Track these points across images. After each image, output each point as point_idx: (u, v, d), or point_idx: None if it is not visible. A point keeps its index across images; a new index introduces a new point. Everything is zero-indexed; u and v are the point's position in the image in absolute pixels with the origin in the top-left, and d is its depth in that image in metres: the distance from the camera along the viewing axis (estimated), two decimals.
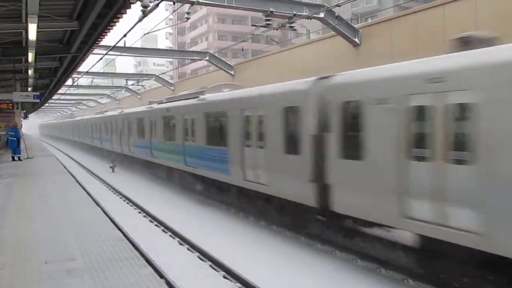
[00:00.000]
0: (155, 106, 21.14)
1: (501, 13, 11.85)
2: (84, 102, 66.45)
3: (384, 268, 8.48)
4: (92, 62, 21.91)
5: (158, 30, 17.06)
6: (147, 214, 14.28)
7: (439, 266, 7.20)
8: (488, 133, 5.92)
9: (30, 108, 40.34)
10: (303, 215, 10.42)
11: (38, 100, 23.51)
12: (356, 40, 17.16)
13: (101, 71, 33.52)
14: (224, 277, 8.41)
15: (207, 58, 27.76)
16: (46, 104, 55.31)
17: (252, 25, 18.45)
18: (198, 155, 15.37)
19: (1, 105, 22.55)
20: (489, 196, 5.88)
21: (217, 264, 9.01)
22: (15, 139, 20.38)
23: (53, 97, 42.04)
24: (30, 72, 19.40)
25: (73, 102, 66.61)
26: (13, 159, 20.23)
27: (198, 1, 14.62)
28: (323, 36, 21.41)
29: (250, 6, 16.02)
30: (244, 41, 21.33)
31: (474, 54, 6.57)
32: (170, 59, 74.29)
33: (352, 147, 8.28)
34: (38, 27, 11.16)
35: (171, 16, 63.72)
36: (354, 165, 8.20)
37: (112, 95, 55.54)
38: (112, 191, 19.55)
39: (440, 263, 7.15)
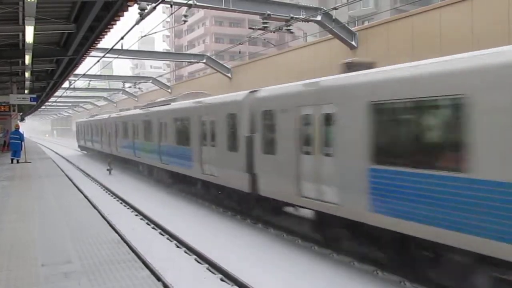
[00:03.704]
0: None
1: (496, 16, 11.94)
2: (81, 104, 66.51)
3: (381, 271, 8.49)
4: (89, 64, 21.93)
5: (155, 32, 17.15)
6: (144, 216, 14.25)
7: None
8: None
9: (27, 110, 40.31)
10: None
11: (34, 103, 23.49)
12: (353, 43, 17.25)
13: (98, 73, 33.54)
14: (221, 279, 8.40)
15: (204, 60, 27.82)
16: (43, 107, 55.31)
17: (249, 28, 18.49)
18: None
19: None
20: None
21: (214, 267, 9.00)
22: (19, 142, 20.31)
23: (49, 100, 42.03)
24: (27, 74, 19.42)
25: (70, 104, 66.69)
26: (12, 162, 20.16)
27: (195, 4, 14.69)
28: (320, 39, 21.51)
29: (247, 9, 16.10)
30: (241, 44, 21.35)
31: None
32: (167, 62, 74.39)
33: None
34: (35, 29, 11.18)
35: (168, 19, 63.89)
36: None
37: (109, 98, 55.59)
38: (109, 194, 19.51)
39: None
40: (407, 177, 6.99)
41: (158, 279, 7.62)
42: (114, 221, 12.54)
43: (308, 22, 16.90)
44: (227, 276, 8.46)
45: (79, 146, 48.38)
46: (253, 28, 17.33)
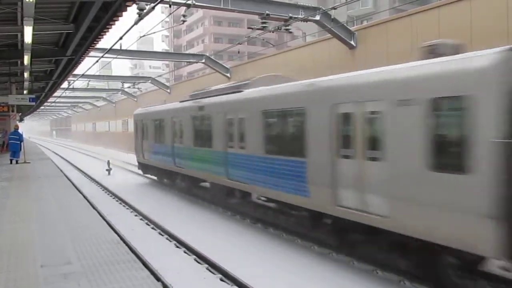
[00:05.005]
0: None
1: (495, 15, 11.93)
2: (80, 105, 66.46)
3: (380, 270, 8.49)
4: (88, 64, 21.91)
5: (154, 32, 17.06)
6: (144, 217, 14.24)
7: None
8: None
9: (26, 110, 40.27)
10: None
11: (33, 103, 23.47)
12: (352, 42, 17.21)
13: (97, 73, 33.49)
14: (221, 279, 8.40)
15: (203, 60, 27.79)
16: (42, 107, 55.28)
17: (248, 28, 18.46)
18: None
19: None
20: None
21: (213, 267, 9.00)
22: (18, 142, 20.30)
23: (48, 100, 42.00)
24: (25, 75, 19.39)
25: (69, 105, 66.64)
26: (11, 162, 20.15)
27: (194, 4, 14.64)
28: (319, 39, 21.50)
29: (246, 8, 16.05)
30: (240, 44, 21.31)
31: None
32: (166, 62, 74.34)
33: None
34: (33, 29, 11.17)
35: (167, 19, 63.87)
36: None
37: (108, 98, 55.55)
38: (108, 194, 19.49)
39: None
40: None
41: (158, 279, 7.62)
42: (114, 222, 12.53)
43: (307, 22, 16.85)
44: (226, 276, 8.45)
45: (142, 165, 23.39)
46: (252, 28, 17.30)
